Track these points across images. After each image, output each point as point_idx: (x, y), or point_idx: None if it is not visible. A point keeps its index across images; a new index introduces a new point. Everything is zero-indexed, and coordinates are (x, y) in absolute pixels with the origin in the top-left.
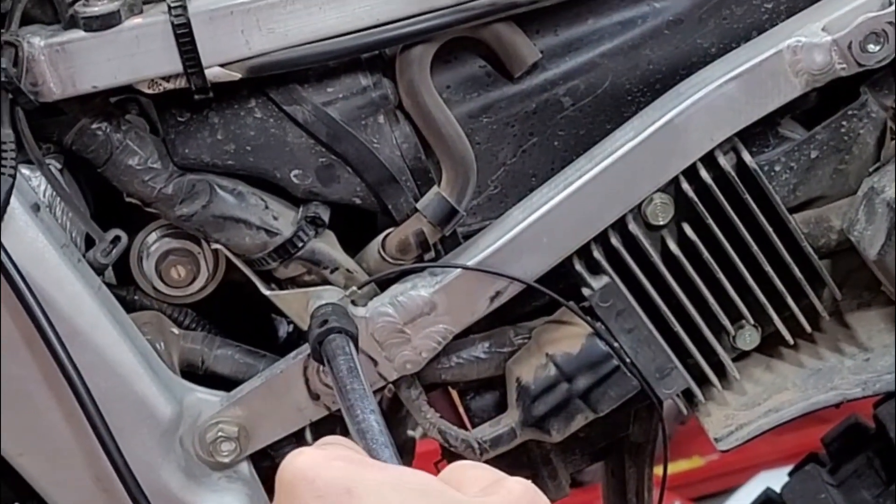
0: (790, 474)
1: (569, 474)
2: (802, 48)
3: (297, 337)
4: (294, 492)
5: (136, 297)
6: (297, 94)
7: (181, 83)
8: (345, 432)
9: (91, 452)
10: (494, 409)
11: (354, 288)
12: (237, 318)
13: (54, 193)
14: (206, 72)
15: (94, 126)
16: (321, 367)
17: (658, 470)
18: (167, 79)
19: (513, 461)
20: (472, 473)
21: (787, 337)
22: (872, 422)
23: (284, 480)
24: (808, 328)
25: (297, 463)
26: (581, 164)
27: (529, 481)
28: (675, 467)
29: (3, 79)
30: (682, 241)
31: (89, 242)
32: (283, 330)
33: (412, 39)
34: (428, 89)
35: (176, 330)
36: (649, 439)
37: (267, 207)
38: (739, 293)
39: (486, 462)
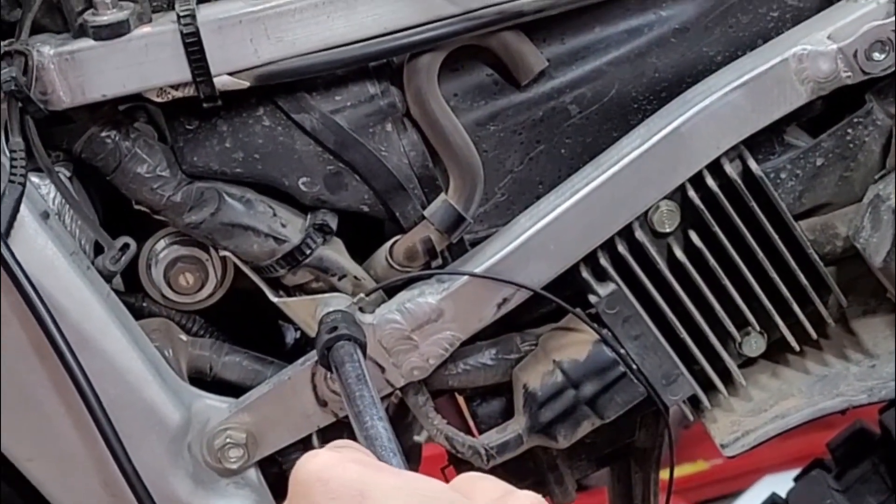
0: (796, 480)
1: (575, 480)
2: (808, 56)
3: (305, 343)
4: (308, 493)
5: (144, 304)
6: (306, 102)
7: (190, 91)
8: (352, 439)
9: (100, 458)
10: (501, 415)
11: (362, 295)
12: (245, 324)
13: (63, 201)
14: (215, 80)
15: (103, 134)
16: (329, 374)
17: (664, 474)
18: (176, 87)
19: (519, 467)
20: (482, 484)
21: (793, 343)
22: (878, 427)
23: (298, 481)
24: (813, 335)
25: (311, 464)
26: (588, 172)
27: (539, 495)
28: (679, 471)
29: (13, 87)
30: (689, 248)
31: (98, 250)
32: (291, 336)
33: (420, 48)
34: (435, 97)
35: (184, 337)
36: (655, 445)
37: (275, 215)
38: (745, 300)
39: (493, 468)
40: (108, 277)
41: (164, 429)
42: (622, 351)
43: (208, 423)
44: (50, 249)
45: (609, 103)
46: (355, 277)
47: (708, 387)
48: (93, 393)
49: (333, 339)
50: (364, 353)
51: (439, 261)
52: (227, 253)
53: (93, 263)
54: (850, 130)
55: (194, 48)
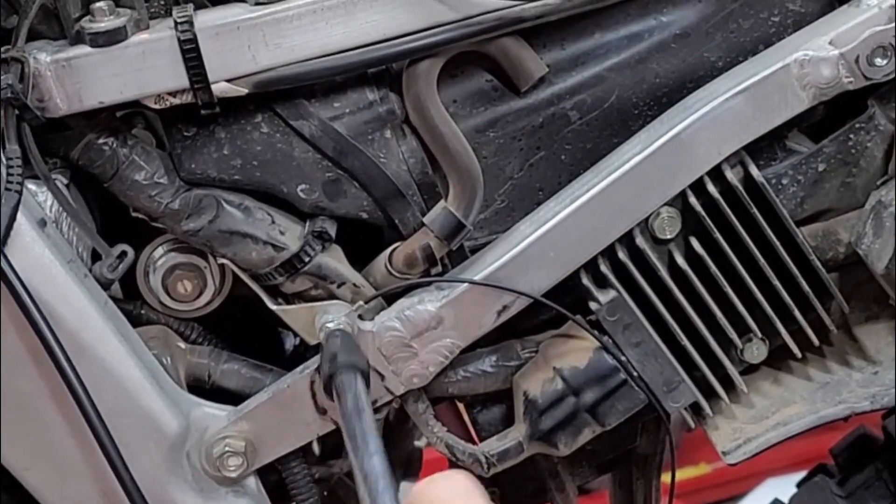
0: (798, 485)
1: (576, 486)
2: (810, 62)
3: (304, 351)
4: None
5: (142, 312)
6: (304, 108)
7: (187, 98)
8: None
9: (98, 467)
10: (502, 422)
11: (361, 302)
12: (244, 332)
13: (61, 209)
14: (213, 87)
15: (101, 141)
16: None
17: (666, 478)
18: (174, 94)
19: (520, 474)
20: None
21: (795, 350)
22: (881, 433)
23: None
24: (815, 341)
25: None
26: (588, 178)
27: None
28: (682, 474)
29: (9, 94)
30: (690, 254)
31: (96, 257)
32: (290, 344)
33: (419, 54)
34: (435, 104)
35: (182, 344)
36: (657, 451)
37: (273, 222)
38: (747, 306)
39: (495, 475)
40: (105, 285)
41: (162, 437)
42: (623, 358)
43: (207, 431)
44: (47, 257)
45: (609, 109)
46: (354, 285)
47: (709, 394)
48: (90, 401)
49: (336, 367)
50: (366, 379)
51: (439, 268)
52: (225, 260)
53: (90, 271)
54: (852, 136)
55: (192, 55)
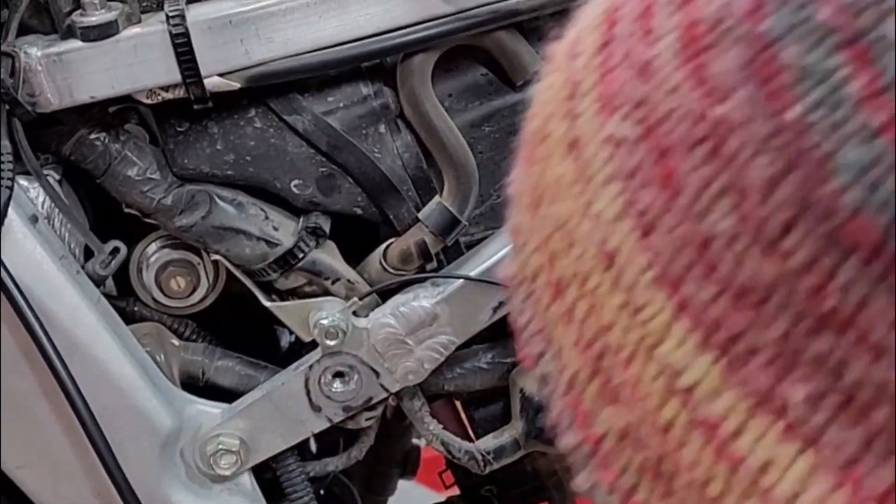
0: None
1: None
2: None
3: (299, 348)
4: None
5: (135, 309)
6: (297, 103)
7: (180, 93)
8: (346, 442)
9: (91, 466)
10: (499, 419)
11: (356, 299)
12: (238, 329)
13: (52, 205)
14: (205, 81)
15: (93, 136)
16: (323, 379)
17: None
18: (166, 89)
19: (517, 472)
20: None
21: None
22: None
23: None
24: None
25: None
26: None
27: None
28: None
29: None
30: None
31: (88, 254)
32: (285, 341)
33: (413, 48)
34: (429, 98)
35: (176, 341)
36: None
37: (267, 218)
38: None
39: (492, 473)
40: (98, 282)
41: (155, 435)
42: None
43: (200, 429)
44: (38, 254)
45: None
46: (349, 281)
47: None
48: (82, 399)
49: None
50: None
51: (434, 263)
52: (218, 256)
53: (83, 268)
54: None
55: (184, 49)
